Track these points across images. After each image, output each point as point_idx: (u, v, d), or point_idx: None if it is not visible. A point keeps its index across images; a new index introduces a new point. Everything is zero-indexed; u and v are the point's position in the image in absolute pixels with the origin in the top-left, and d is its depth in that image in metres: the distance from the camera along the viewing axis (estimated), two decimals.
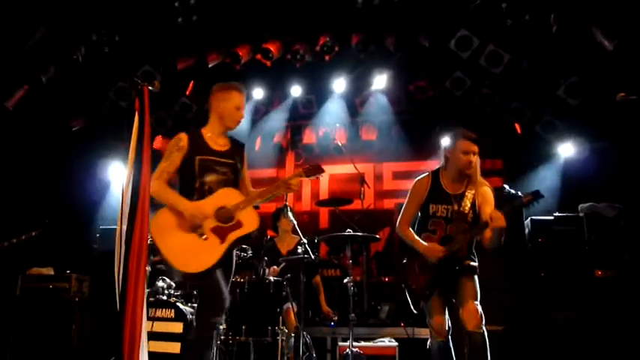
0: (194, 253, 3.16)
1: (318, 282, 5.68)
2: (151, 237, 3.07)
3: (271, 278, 4.69)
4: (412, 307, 3.69)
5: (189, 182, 3.28)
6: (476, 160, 3.50)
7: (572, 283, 5.13)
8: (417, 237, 3.61)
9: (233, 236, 3.21)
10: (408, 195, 3.73)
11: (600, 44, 5.30)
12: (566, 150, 6.57)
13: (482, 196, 3.53)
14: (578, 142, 6.44)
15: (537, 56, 6.00)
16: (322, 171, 3.43)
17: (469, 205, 3.50)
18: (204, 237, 3.18)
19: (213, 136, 3.39)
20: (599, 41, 5.30)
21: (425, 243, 3.54)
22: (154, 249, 4.79)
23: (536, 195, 3.28)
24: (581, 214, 5.39)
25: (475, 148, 3.50)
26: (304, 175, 3.39)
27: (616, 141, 6.00)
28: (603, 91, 5.68)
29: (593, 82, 5.87)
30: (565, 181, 6.54)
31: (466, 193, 3.53)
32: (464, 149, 3.49)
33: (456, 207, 3.52)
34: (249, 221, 3.25)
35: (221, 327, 4.45)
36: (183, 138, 3.31)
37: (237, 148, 3.48)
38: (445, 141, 3.66)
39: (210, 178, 3.27)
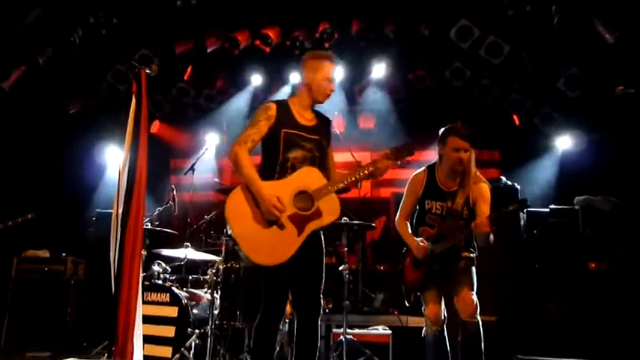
0: (269, 243, 2.82)
1: None
2: (226, 217, 2.85)
3: None
4: (405, 300, 3.70)
5: (272, 156, 2.98)
6: (467, 156, 3.43)
7: (566, 275, 5.17)
8: (409, 232, 3.62)
9: (311, 227, 2.87)
10: (406, 190, 3.72)
11: (601, 37, 5.28)
12: (564, 143, 6.58)
13: (477, 192, 3.45)
14: (576, 135, 6.45)
15: (538, 48, 5.98)
16: (412, 153, 3.11)
17: (462, 203, 3.45)
18: (281, 225, 2.83)
19: (300, 109, 3.09)
20: (601, 33, 5.28)
21: (415, 239, 3.54)
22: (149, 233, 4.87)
23: (523, 204, 3.24)
24: (576, 207, 5.41)
25: (466, 145, 3.42)
26: (392, 157, 3.08)
27: (613, 135, 6.00)
28: (602, 84, 5.68)
29: (592, 75, 5.86)
30: (562, 173, 6.56)
31: (459, 191, 3.48)
32: (454, 146, 3.44)
33: (449, 204, 3.48)
34: (329, 210, 2.91)
35: (216, 312, 4.48)
36: (272, 107, 3.01)
37: (323, 123, 3.20)
38: (438, 137, 3.63)
39: (294, 154, 2.96)
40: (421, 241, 3.51)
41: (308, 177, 2.93)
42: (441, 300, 3.56)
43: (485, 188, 3.47)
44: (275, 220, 2.82)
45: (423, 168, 3.69)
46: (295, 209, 2.86)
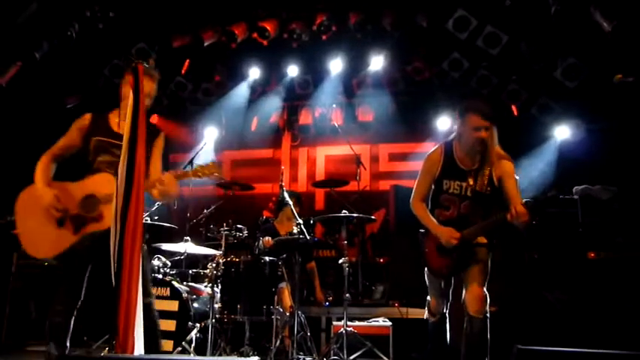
0: (43, 237, 3.08)
1: (313, 267, 5.72)
2: (14, 209, 3.14)
3: (267, 258, 4.70)
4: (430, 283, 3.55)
5: (83, 160, 3.23)
6: (489, 134, 3.18)
7: (565, 265, 5.17)
8: (431, 218, 3.37)
9: (89, 229, 3.04)
10: (420, 170, 3.46)
11: (599, 25, 5.26)
12: (562, 132, 6.59)
13: (500, 169, 3.23)
14: (574, 125, 6.45)
15: (535, 37, 5.97)
16: (214, 172, 3.16)
17: (485, 182, 3.23)
18: (60, 223, 3.06)
19: (118, 120, 3.25)
20: (598, 22, 5.25)
21: (443, 228, 3.30)
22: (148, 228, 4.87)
23: (560, 190, 3.14)
24: (575, 197, 5.40)
25: (487, 123, 3.15)
26: (192, 175, 3.19)
27: (612, 124, 6.00)
28: (600, 73, 5.67)
29: (590, 64, 5.85)
30: (560, 163, 6.57)
31: (483, 169, 3.25)
32: (474, 125, 3.18)
33: (471, 183, 3.26)
34: (111, 217, 2.90)
35: (217, 305, 4.49)
36: (86, 118, 3.26)
37: (147, 134, 3.23)
38: (457, 113, 3.36)
39: (102, 158, 3.16)
40: (448, 229, 3.26)
41: (101, 183, 3.10)
42: (444, 294, 3.50)
43: (509, 165, 3.26)
44: (59, 217, 3.05)
45: (438, 145, 3.45)
46: (79, 210, 3.07)
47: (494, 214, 3.21)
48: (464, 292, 3.31)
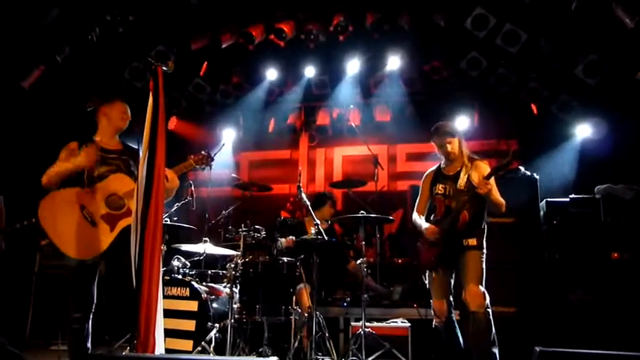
0: (82, 239, 3.25)
1: (355, 266, 5.71)
2: (38, 220, 3.28)
3: (285, 259, 4.71)
4: (422, 276, 3.98)
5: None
6: (452, 145, 3.84)
7: (588, 266, 5.10)
8: (419, 219, 3.97)
9: (123, 223, 3.29)
10: (420, 187, 4.08)
11: (620, 21, 5.17)
12: (583, 131, 6.48)
13: (476, 169, 3.78)
14: (596, 123, 6.34)
15: (555, 35, 5.88)
16: (211, 160, 3.72)
17: (465, 180, 3.77)
18: (94, 223, 3.29)
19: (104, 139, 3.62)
20: (620, 18, 5.16)
21: (425, 224, 3.88)
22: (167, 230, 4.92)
23: (514, 153, 3.64)
24: (597, 196, 5.33)
25: (444, 141, 3.85)
26: (194, 164, 3.67)
27: (634, 121, 5.89)
28: (622, 70, 5.57)
29: (612, 61, 5.75)
30: (582, 162, 6.46)
31: (461, 172, 3.81)
32: (438, 144, 3.91)
33: (452, 184, 3.82)
34: None
35: (236, 305, 4.51)
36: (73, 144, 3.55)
37: (130, 151, 3.65)
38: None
39: (102, 169, 3.41)
40: (429, 226, 3.82)
41: (118, 182, 3.39)
42: (446, 294, 3.82)
43: (481, 164, 3.83)
44: (88, 218, 3.28)
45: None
46: (107, 209, 3.33)
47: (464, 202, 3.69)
48: (463, 293, 3.65)
